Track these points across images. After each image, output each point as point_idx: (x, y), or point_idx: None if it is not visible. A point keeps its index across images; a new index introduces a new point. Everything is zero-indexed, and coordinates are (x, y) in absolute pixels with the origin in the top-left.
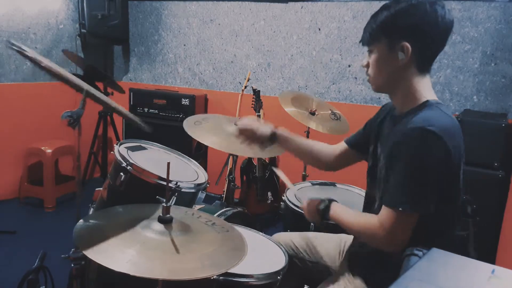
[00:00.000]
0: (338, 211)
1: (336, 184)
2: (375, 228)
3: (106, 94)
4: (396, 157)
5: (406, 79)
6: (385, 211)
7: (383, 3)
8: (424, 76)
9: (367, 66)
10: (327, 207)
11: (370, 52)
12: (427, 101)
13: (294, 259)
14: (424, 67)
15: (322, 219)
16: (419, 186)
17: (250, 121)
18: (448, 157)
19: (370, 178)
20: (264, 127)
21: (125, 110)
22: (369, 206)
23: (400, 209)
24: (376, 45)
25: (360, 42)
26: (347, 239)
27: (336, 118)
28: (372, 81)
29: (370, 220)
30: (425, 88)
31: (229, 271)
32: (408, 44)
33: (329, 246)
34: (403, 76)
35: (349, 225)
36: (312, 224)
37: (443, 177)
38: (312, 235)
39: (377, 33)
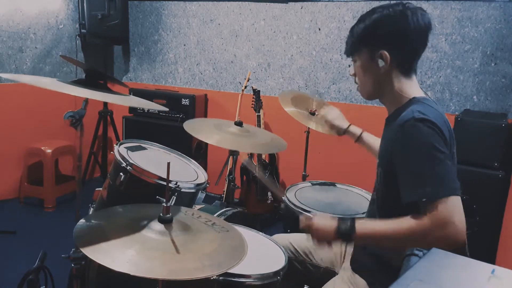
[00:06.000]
0: (366, 225)
1: (336, 184)
2: (434, 226)
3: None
4: (401, 153)
5: (391, 83)
6: (436, 205)
7: (382, 3)
8: (409, 78)
9: (355, 75)
10: (352, 227)
11: (354, 61)
12: (414, 97)
13: (294, 262)
14: (407, 70)
15: (344, 241)
16: (444, 168)
17: (332, 113)
18: (445, 143)
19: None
20: (341, 122)
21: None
22: (370, 207)
23: (447, 197)
24: (358, 55)
25: (344, 53)
26: None
27: None
28: (361, 90)
29: (417, 223)
30: (412, 88)
31: (229, 271)
32: (386, 52)
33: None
34: (387, 81)
35: (391, 235)
36: None
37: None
38: None
39: (357, 44)
